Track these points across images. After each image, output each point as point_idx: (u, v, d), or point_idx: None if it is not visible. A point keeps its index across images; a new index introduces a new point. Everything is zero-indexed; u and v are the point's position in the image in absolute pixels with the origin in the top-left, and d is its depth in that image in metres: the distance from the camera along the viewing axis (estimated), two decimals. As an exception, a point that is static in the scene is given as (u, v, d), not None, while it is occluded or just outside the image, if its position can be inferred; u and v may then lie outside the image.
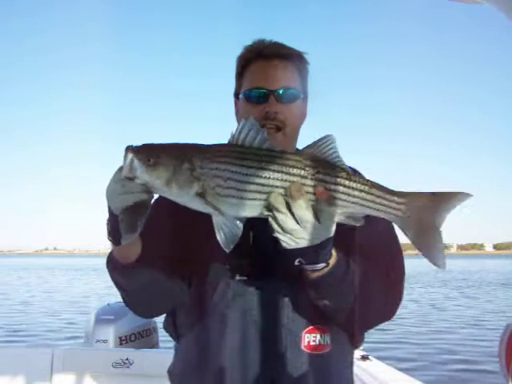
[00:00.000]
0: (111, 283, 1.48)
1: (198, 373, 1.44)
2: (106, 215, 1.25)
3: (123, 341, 4.40)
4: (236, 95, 1.58)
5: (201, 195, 1.12)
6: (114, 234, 1.22)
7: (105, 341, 4.39)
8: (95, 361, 3.32)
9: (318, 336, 1.42)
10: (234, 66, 1.60)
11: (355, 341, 1.54)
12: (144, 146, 1.15)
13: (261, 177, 1.12)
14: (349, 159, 1.21)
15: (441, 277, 37.04)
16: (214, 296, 1.42)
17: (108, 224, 1.24)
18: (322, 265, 1.22)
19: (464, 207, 1.21)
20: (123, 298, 1.48)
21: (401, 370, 3.14)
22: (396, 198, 1.17)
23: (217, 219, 1.16)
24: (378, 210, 1.17)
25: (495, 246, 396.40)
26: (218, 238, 1.15)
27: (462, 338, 12.08)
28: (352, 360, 1.57)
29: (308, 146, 1.18)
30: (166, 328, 1.60)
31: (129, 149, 1.11)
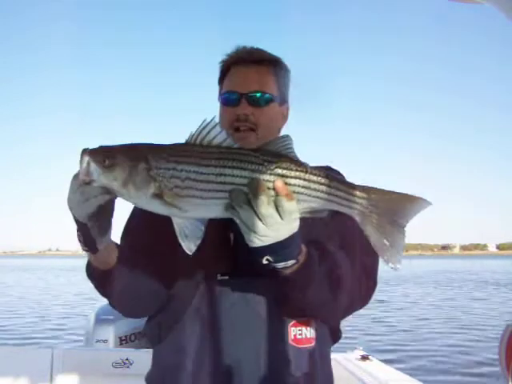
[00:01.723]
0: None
1: (183, 376, 1.42)
2: (74, 226, 1.23)
3: (123, 341, 4.41)
4: (219, 99, 1.62)
5: (158, 196, 1.10)
6: (88, 242, 1.23)
7: (105, 341, 4.40)
8: (95, 361, 3.31)
9: (304, 329, 1.43)
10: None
11: (335, 334, 1.56)
12: (100, 147, 1.13)
13: (220, 175, 1.10)
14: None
15: (443, 277, 36.99)
16: (195, 297, 1.42)
17: (79, 235, 1.24)
18: (292, 262, 1.20)
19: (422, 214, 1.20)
20: (109, 303, 1.50)
21: (401, 370, 3.13)
22: (357, 192, 1.17)
23: (177, 221, 1.14)
24: (338, 203, 1.16)
25: (498, 247, 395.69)
26: (180, 240, 1.14)
27: (463, 337, 12.06)
28: (330, 354, 1.59)
29: (265, 144, 1.18)
30: (146, 332, 1.58)
31: (85, 152, 1.09)
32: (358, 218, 1.18)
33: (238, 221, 1.12)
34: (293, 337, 1.42)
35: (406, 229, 1.19)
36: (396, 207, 1.18)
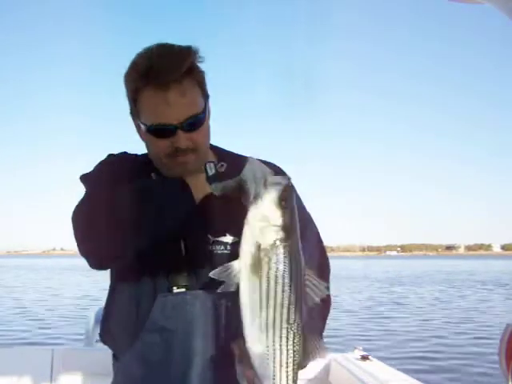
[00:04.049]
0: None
1: None
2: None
3: (123, 341, 4.40)
4: (134, 117, 1.45)
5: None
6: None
7: (105, 341, 4.39)
8: (95, 361, 3.32)
9: None
10: None
11: None
12: None
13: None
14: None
15: (447, 278, 36.91)
16: (153, 311, 1.39)
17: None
18: None
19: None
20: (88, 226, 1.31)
21: (401, 370, 3.12)
22: None
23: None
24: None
25: (503, 247, 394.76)
26: None
27: (463, 337, 12.04)
28: None
29: None
30: (107, 341, 1.58)
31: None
32: None
33: None
34: None
35: None
36: None
